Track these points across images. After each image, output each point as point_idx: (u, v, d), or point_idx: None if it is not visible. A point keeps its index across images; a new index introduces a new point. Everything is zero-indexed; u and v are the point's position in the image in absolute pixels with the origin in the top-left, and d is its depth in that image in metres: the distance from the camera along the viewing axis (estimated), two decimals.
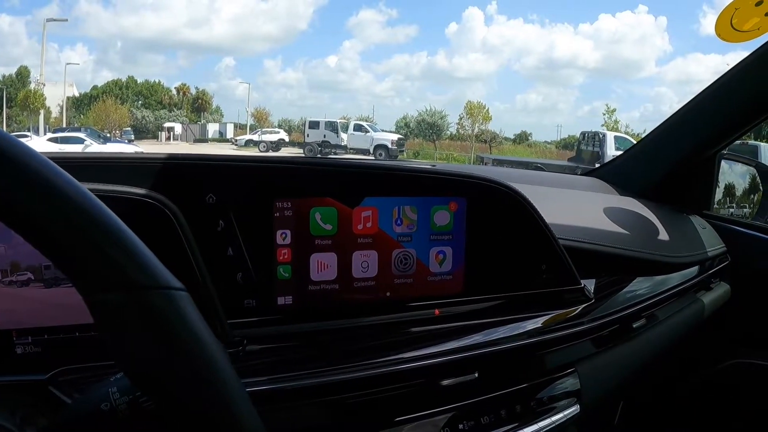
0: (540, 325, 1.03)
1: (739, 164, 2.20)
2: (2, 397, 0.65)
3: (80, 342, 0.71)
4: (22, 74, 60.15)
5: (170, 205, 0.75)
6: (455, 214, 0.93)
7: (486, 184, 0.96)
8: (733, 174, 2.19)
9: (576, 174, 2.41)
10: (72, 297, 0.70)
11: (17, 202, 0.42)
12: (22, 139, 0.46)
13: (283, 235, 0.83)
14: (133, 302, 0.45)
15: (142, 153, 0.83)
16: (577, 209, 1.47)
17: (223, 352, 0.49)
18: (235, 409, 0.48)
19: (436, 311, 0.89)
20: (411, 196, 0.90)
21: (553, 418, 1.02)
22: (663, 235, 1.53)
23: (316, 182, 0.85)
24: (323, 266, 0.86)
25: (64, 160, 0.59)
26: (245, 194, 0.81)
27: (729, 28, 1.67)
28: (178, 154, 0.81)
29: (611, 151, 19.66)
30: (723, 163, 2.00)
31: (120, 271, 0.45)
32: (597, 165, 2.20)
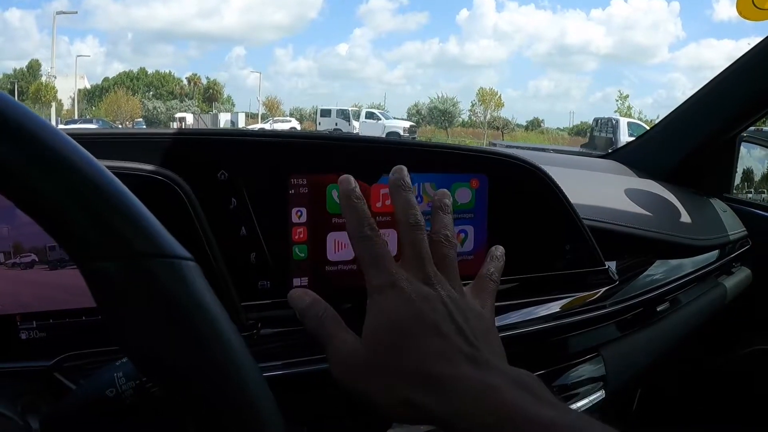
0: (564, 307, 1.00)
1: (759, 148, 2.17)
2: (5, 384, 0.62)
3: (87, 326, 0.68)
4: (33, 67, 60.52)
5: (180, 182, 0.72)
6: (477, 191, 0.89)
7: (508, 160, 0.93)
8: (752, 158, 2.16)
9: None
10: (78, 279, 0.67)
11: (3, 161, 0.38)
12: None
13: (299, 213, 0.79)
14: (134, 271, 0.41)
15: (150, 129, 0.81)
16: (597, 190, 1.44)
17: (236, 330, 0.46)
18: (250, 393, 0.45)
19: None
20: (431, 173, 0.86)
21: (579, 404, 0.99)
22: (684, 218, 1.50)
23: (332, 158, 0.82)
24: (340, 246, 0.82)
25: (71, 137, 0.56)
26: (259, 171, 0.77)
27: (751, 6, 1.65)
28: (188, 129, 0.78)
29: (624, 137, 19.65)
30: (742, 146, 1.97)
31: (119, 236, 0.41)
32: (610, 151, 2.18)
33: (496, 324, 0.80)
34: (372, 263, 0.64)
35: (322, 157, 0.82)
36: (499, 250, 0.78)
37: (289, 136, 0.82)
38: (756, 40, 1.68)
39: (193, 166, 0.75)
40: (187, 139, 0.78)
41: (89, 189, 0.41)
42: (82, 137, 0.53)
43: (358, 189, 0.68)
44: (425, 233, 0.68)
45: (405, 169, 0.71)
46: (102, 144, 0.72)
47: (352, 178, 0.69)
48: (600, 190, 1.45)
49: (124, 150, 0.73)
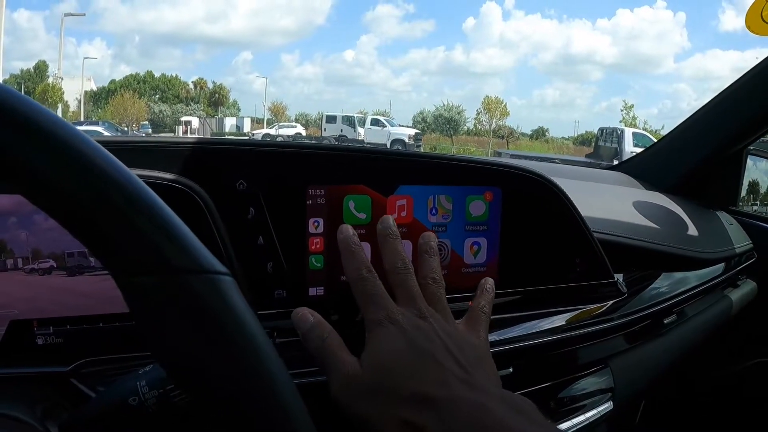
0: (572, 319, 1.00)
1: (765, 161, 2.17)
2: (22, 389, 0.62)
3: (104, 333, 0.69)
4: (41, 68, 60.56)
5: (199, 191, 0.73)
6: (490, 204, 0.90)
7: (521, 173, 0.93)
8: (759, 171, 2.16)
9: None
10: (96, 285, 0.68)
11: (44, 175, 0.39)
12: None
13: (316, 224, 0.80)
14: (173, 287, 0.42)
15: (170, 137, 0.81)
16: (605, 202, 1.44)
17: (271, 344, 0.46)
18: (285, 405, 0.46)
19: (471, 303, 0.87)
20: (446, 185, 0.87)
21: (587, 415, 1.00)
22: (691, 230, 1.51)
23: (349, 169, 0.83)
24: None
25: None
26: (277, 181, 0.78)
27: (759, 21, 1.65)
28: (207, 138, 0.79)
29: (629, 148, 19.61)
30: (749, 159, 1.97)
31: (159, 252, 0.42)
32: (615, 161, 2.19)
33: (506, 336, 0.81)
34: (369, 301, 0.69)
35: (340, 169, 0.83)
36: (489, 283, 0.83)
37: (308, 147, 0.83)
38: (762, 52, 1.68)
39: (212, 175, 0.76)
40: (207, 148, 0.79)
41: (129, 203, 0.41)
42: (104, 145, 0.54)
43: (356, 236, 0.74)
44: (413, 275, 0.73)
45: (391, 218, 0.78)
46: (122, 152, 0.73)
47: (350, 228, 0.76)
48: (608, 203, 1.45)
49: (144, 158, 0.73)
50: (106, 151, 0.42)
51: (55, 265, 0.67)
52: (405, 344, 0.65)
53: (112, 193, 0.41)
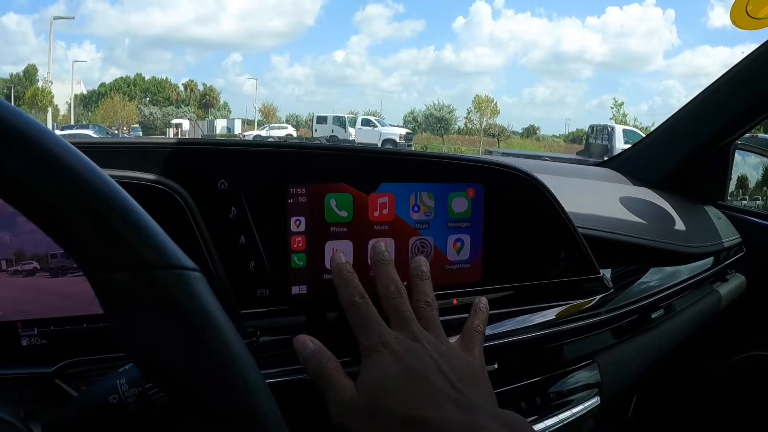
0: (558, 314, 1.00)
1: (753, 155, 2.18)
2: (6, 390, 0.62)
3: (88, 333, 0.69)
4: (30, 72, 60.37)
5: (181, 191, 0.73)
6: (473, 200, 0.90)
7: (504, 170, 0.93)
8: (747, 165, 2.17)
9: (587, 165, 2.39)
10: (79, 286, 0.68)
11: (15, 173, 0.39)
12: None
13: (297, 222, 0.80)
14: (142, 282, 0.42)
15: (150, 138, 0.82)
16: (592, 198, 1.45)
17: (240, 339, 0.46)
18: (255, 400, 0.46)
19: (455, 300, 0.87)
20: (428, 182, 0.87)
21: (574, 410, 1.00)
22: (679, 225, 1.51)
23: (330, 168, 0.83)
24: None
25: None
26: (258, 180, 0.78)
27: (744, 15, 1.65)
28: (188, 139, 0.79)
29: (620, 144, 19.68)
30: (736, 154, 1.98)
31: (128, 248, 0.42)
32: (606, 158, 2.19)
33: (492, 331, 0.81)
34: (363, 326, 0.71)
35: (321, 167, 0.83)
36: (482, 303, 0.84)
37: (289, 146, 0.83)
38: (750, 48, 1.69)
39: (194, 175, 0.76)
40: (188, 148, 0.79)
41: (97, 200, 0.41)
42: (82, 146, 0.54)
43: (349, 264, 0.76)
44: (407, 299, 0.75)
45: (383, 244, 0.81)
46: (102, 153, 0.73)
47: (342, 255, 0.78)
48: (595, 199, 1.45)
49: (125, 159, 0.74)
50: (74, 148, 0.42)
51: (38, 267, 0.67)
52: (398, 367, 0.67)
53: (80, 189, 0.41)
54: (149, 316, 0.43)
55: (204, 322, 0.44)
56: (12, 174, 0.38)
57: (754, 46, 1.67)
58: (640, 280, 1.27)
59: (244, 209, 0.77)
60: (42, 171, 0.39)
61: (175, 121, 52.98)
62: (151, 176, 0.73)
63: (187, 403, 0.45)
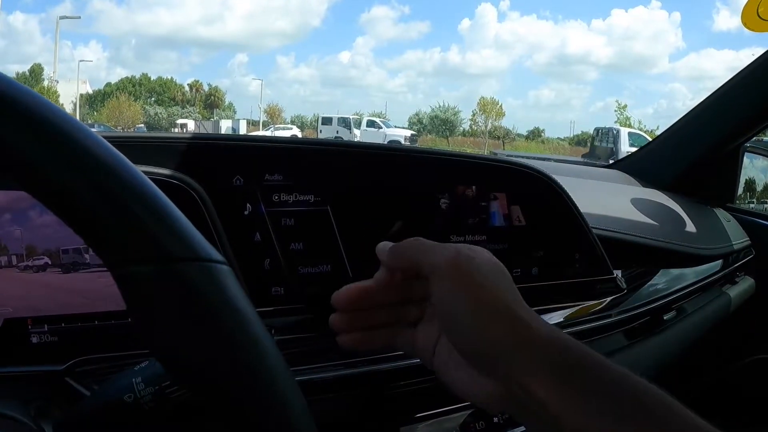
0: (572, 315, 1.00)
1: (761, 158, 2.17)
2: (17, 388, 0.62)
3: (99, 331, 0.68)
4: (36, 72, 60.44)
5: (196, 187, 0.72)
6: (492, 201, 0.90)
7: (522, 170, 0.93)
8: (755, 168, 2.16)
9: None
10: (91, 283, 0.67)
11: (39, 163, 0.37)
12: None
13: None
14: (168, 275, 0.40)
15: (166, 133, 0.81)
16: (603, 199, 1.44)
17: (268, 333, 0.45)
18: (284, 398, 0.44)
19: None
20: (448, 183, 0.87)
21: None
22: (689, 227, 1.51)
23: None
24: None
25: None
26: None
27: (755, 18, 1.65)
28: (204, 134, 0.79)
29: (625, 147, 19.64)
30: (745, 156, 1.97)
31: (154, 240, 0.40)
32: (611, 161, 2.19)
33: None
34: (428, 248, 0.59)
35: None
36: None
37: (307, 143, 0.82)
38: (758, 50, 1.68)
39: (209, 171, 0.75)
40: (204, 144, 0.78)
41: (124, 191, 0.40)
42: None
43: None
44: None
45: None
46: (119, 147, 0.73)
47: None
48: (606, 200, 1.45)
49: (140, 154, 0.72)
50: (102, 138, 0.41)
51: (49, 262, 0.67)
52: (491, 265, 0.58)
53: (108, 180, 0.39)
54: (176, 310, 0.41)
55: (231, 316, 0.42)
56: (36, 163, 0.37)
57: (759, 50, 1.67)
58: (650, 282, 1.26)
59: (260, 206, 0.77)
60: (63, 157, 0.38)
61: (180, 121, 53.02)
62: (166, 171, 0.72)
63: (213, 400, 0.43)
